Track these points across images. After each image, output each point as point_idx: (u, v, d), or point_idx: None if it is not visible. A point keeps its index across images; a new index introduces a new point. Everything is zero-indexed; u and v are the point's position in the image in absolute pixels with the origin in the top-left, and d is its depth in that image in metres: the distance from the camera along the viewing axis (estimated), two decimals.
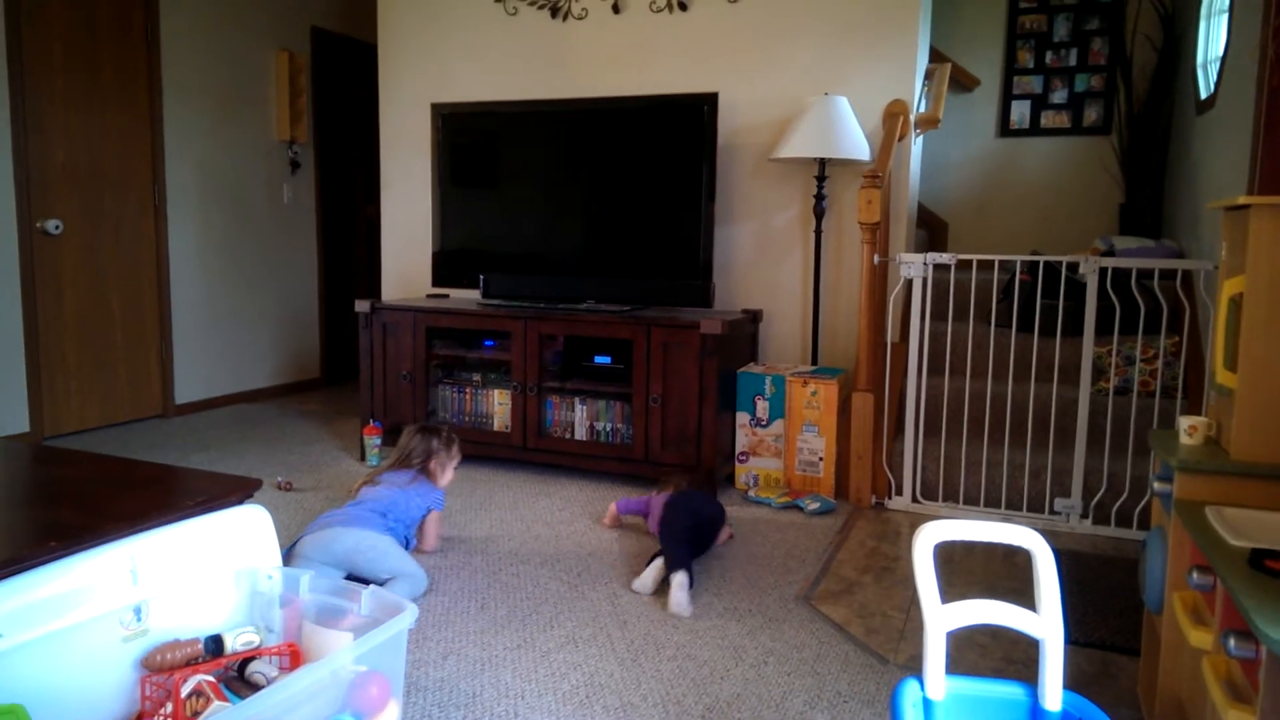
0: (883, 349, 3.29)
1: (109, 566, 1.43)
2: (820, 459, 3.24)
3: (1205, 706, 1.32)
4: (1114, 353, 3.18)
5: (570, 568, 2.55)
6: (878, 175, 3.07)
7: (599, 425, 3.43)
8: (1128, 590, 2.43)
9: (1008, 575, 2.56)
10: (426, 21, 4.22)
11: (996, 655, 2.07)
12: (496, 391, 3.58)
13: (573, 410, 3.47)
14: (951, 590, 2.39)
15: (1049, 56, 4.84)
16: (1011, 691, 1.29)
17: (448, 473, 2.68)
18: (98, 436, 4.04)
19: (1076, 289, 3.21)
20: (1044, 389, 3.19)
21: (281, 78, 4.93)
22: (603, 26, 3.88)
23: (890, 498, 3.21)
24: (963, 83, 4.89)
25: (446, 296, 4.00)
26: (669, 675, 1.95)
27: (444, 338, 3.70)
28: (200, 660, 1.51)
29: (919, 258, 3.09)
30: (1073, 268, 3.10)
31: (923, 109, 3.62)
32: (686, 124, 3.38)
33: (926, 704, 1.25)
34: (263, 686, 1.49)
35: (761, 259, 3.72)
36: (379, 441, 3.61)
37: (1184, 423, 1.68)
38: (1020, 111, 4.91)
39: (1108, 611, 2.30)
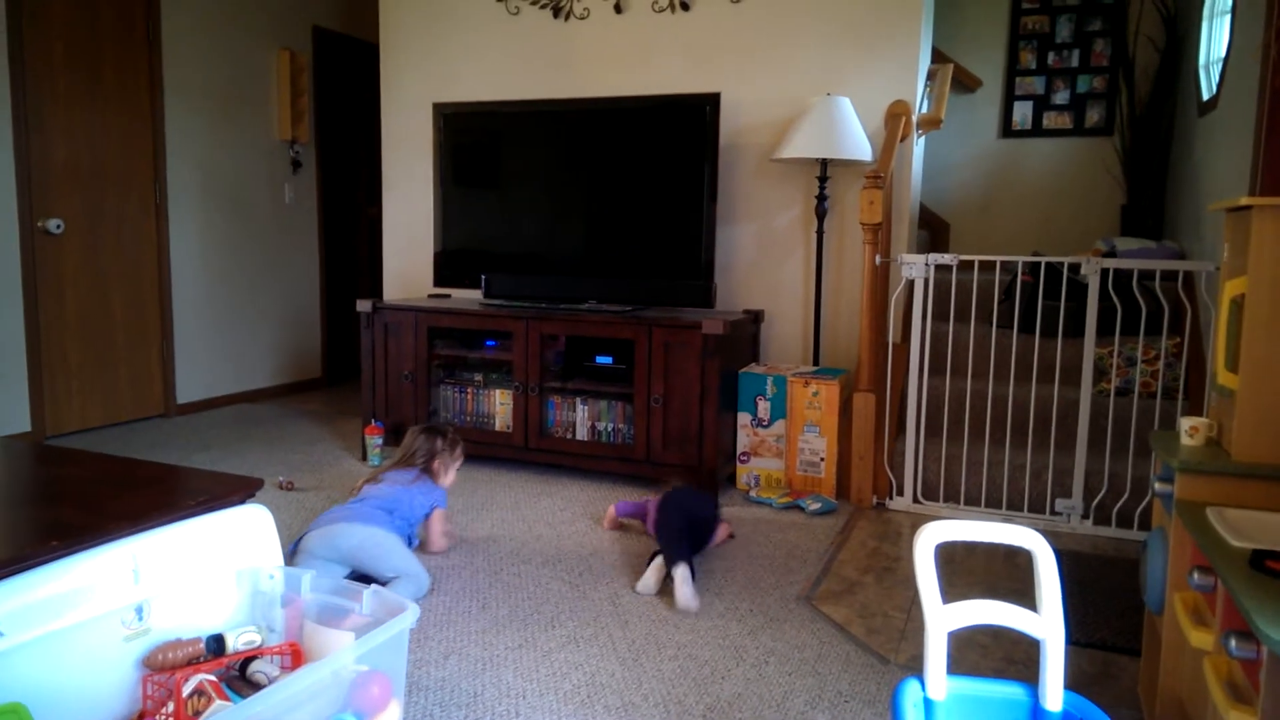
0: (884, 349, 3.29)
1: (111, 566, 1.43)
2: (821, 459, 3.24)
3: (1206, 707, 1.32)
4: (1115, 354, 3.18)
5: (572, 568, 2.55)
6: (879, 176, 3.07)
7: (600, 425, 3.43)
8: (1129, 591, 2.43)
9: (1009, 576, 2.56)
10: (428, 21, 4.22)
11: (997, 655, 2.07)
12: (498, 391, 3.58)
13: (574, 410, 3.47)
14: (952, 590, 2.39)
15: (1051, 57, 4.84)
16: (1012, 692, 1.29)
17: (450, 473, 2.68)
18: (99, 436, 4.05)
19: (1078, 290, 3.21)
20: (1045, 390, 3.18)
21: (283, 77, 4.93)
22: (605, 26, 3.88)
23: (891, 498, 3.21)
24: (965, 83, 4.89)
25: (448, 296, 4.00)
26: (670, 675, 1.95)
27: (445, 338, 3.70)
28: (202, 660, 1.51)
29: (921, 258, 3.09)
30: (1074, 269, 3.10)
31: (925, 109, 3.62)
32: (688, 124, 3.38)
33: (927, 704, 1.25)
34: (264, 686, 1.49)
35: (763, 259, 3.72)
36: (380, 441, 3.61)
37: (1185, 424, 1.68)
38: (1022, 112, 4.91)
39: (1109, 612, 2.30)
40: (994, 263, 3.73)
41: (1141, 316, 3.03)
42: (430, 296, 4.03)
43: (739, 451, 3.37)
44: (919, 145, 3.70)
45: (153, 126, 4.31)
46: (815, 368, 3.47)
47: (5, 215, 3.72)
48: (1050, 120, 4.86)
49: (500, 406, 3.57)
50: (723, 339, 3.14)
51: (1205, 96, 3.72)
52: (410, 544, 2.44)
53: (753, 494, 3.26)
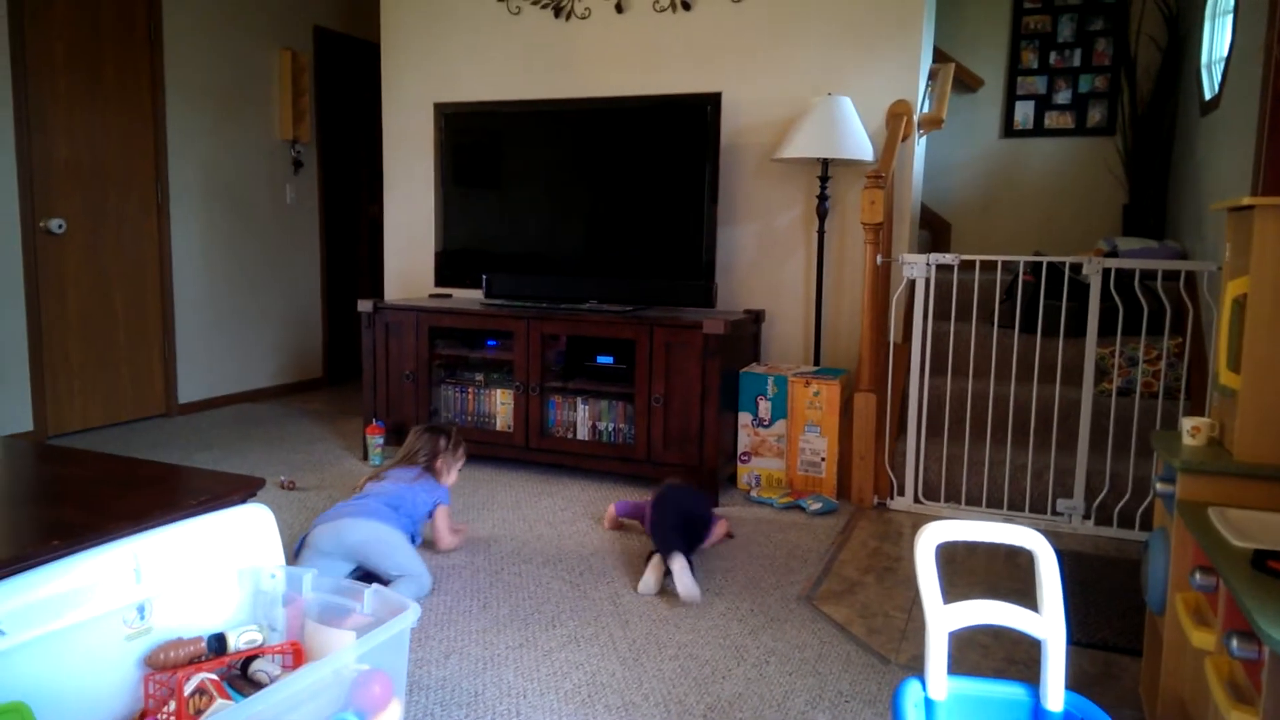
0: (885, 349, 3.29)
1: (112, 565, 1.43)
2: (822, 459, 3.24)
3: (1208, 707, 1.32)
4: (1117, 353, 3.18)
5: (572, 567, 2.55)
6: (881, 176, 3.07)
7: (601, 425, 3.43)
8: (1130, 591, 2.42)
9: (1010, 576, 2.55)
10: (429, 21, 4.22)
11: (998, 656, 2.07)
12: (499, 391, 3.58)
13: (575, 410, 3.47)
14: (953, 591, 2.39)
15: (1053, 57, 4.83)
16: (1013, 692, 1.29)
17: (453, 473, 2.68)
18: (101, 436, 4.05)
19: (1079, 290, 3.21)
20: (1047, 390, 3.18)
21: (284, 77, 4.94)
22: (606, 26, 3.88)
23: (892, 498, 3.20)
24: (966, 83, 4.89)
25: (449, 296, 4.00)
26: (671, 674, 1.95)
27: (446, 337, 3.70)
28: (203, 659, 1.51)
29: (922, 258, 3.09)
30: (1076, 268, 3.10)
31: (926, 109, 3.62)
32: (689, 124, 3.38)
33: (928, 704, 1.25)
34: (265, 685, 1.49)
35: (764, 259, 3.72)
36: (381, 441, 3.62)
37: (1187, 424, 1.68)
38: (1024, 112, 4.91)
39: (1110, 612, 2.30)
40: (995, 262, 3.72)
41: (1143, 316, 3.03)
42: (431, 296, 4.03)
43: (740, 451, 3.37)
44: (920, 145, 3.70)
45: (154, 126, 4.31)
46: (816, 368, 3.46)
47: (7, 215, 3.73)
48: (1052, 120, 4.86)
49: (501, 406, 3.57)
50: (724, 339, 3.14)
51: (1207, 96, 3.72)
52: (414, 541, 2.44)
53: (753, 494, 3.26)
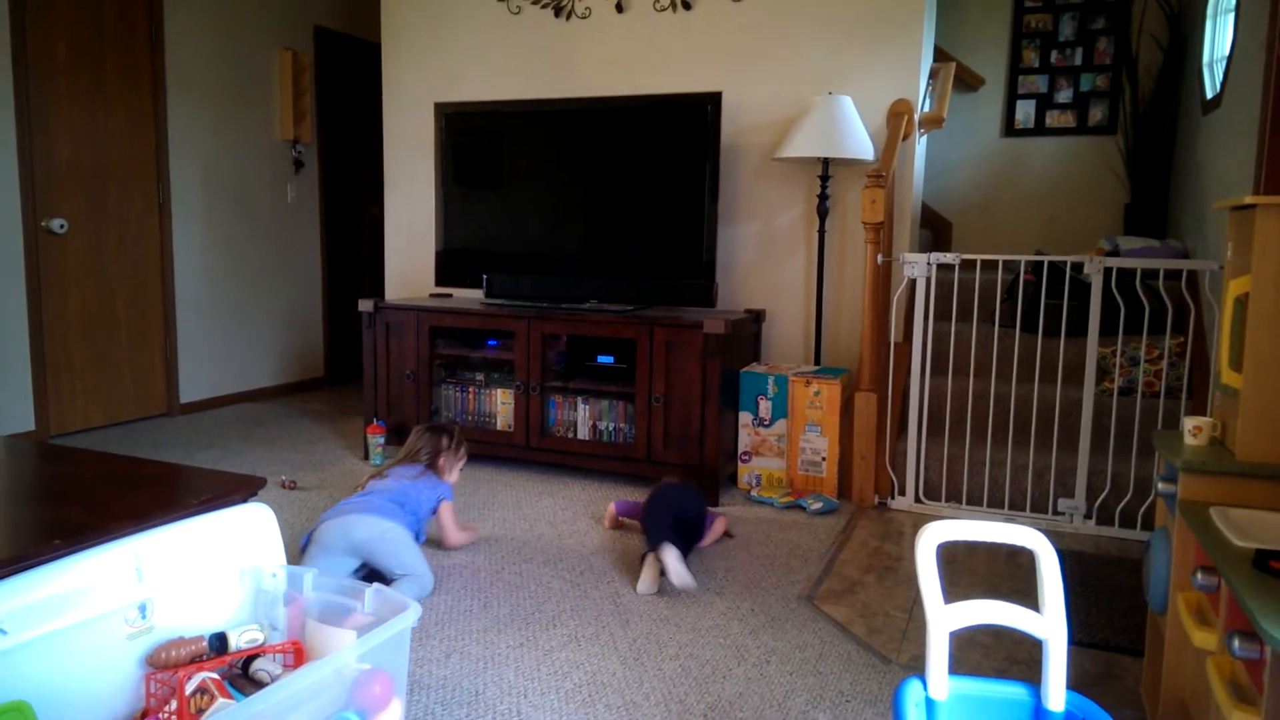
0: (886, 349, 3.29)
1: (114, 564, 1.43)
2: (823, 459, 3.24)
3: (1209, 707, 1.32)
4: (1118, 353, 3.17)
5: (573, 567, 2.55)
6: (881, 175, 3.07)
7: (602, 425, 3.43)
8: (1131, 591, 2.42)
9: (1011, 575, 2.55)
10: (430, 21, 4.22)
11: (999, 655, 2.07)
12: (499, 391, 3.58)
13: (575, 410, 3.47)
14: (954, 590, 2.39)
15: (1054, 56, 4.83)
16: (1015, 692, 1.29)
17: (454, 472, 2.69)
18: (102, 435, 4.06)
19: (1081, 289, 3.21)
20: (1048, 389, 3.18)
21: (285, 77, 4.94)
22: (606, 26, 3.88)
23: (893, 498, 3.20)
24: (967, 82, 4.88)
25: (450, 296, 4.00)
26: (671, 674, 1.95)
27: (447, 337, 3.70)
28: (204, 658, 1.51)
29: (923, 258, 3.09)
30: (1077, 268, 3.10)
31: (927, 108, 3.62)
32: (690, 123, 3.38)
33: (929, 704, 1.25)
34: (267, 684, 1.49)
35: (765, 259, 3.72)
36: (382, 440, 3.62)
37: (1188, 423, 1.67)
38: (1025, 111, 4.90)
39: (1111, 612, 2.30)
40: (996, 262, 3.72)
41: (1145, 315, 3.03)
42: (432, 296, 4.04)
43: (740, 451, 3.37)
44: (921, 144, 3.70)
45: (155, 126, 4.31)
46: (817, 367, 3.46)
47: (9, 215, 3.73)
48: (1053, 119, 4.86)
49: (502, 406, 3.58)
50: (724, 338, 3.14)
51: (1209, 95, 3.71)
52: (419, 539, 2.44)
53: (754, 493, 3.26)
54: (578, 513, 3.05)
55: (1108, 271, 2.95)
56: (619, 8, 3.84)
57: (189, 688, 1.42)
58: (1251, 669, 1.17)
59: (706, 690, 1.88)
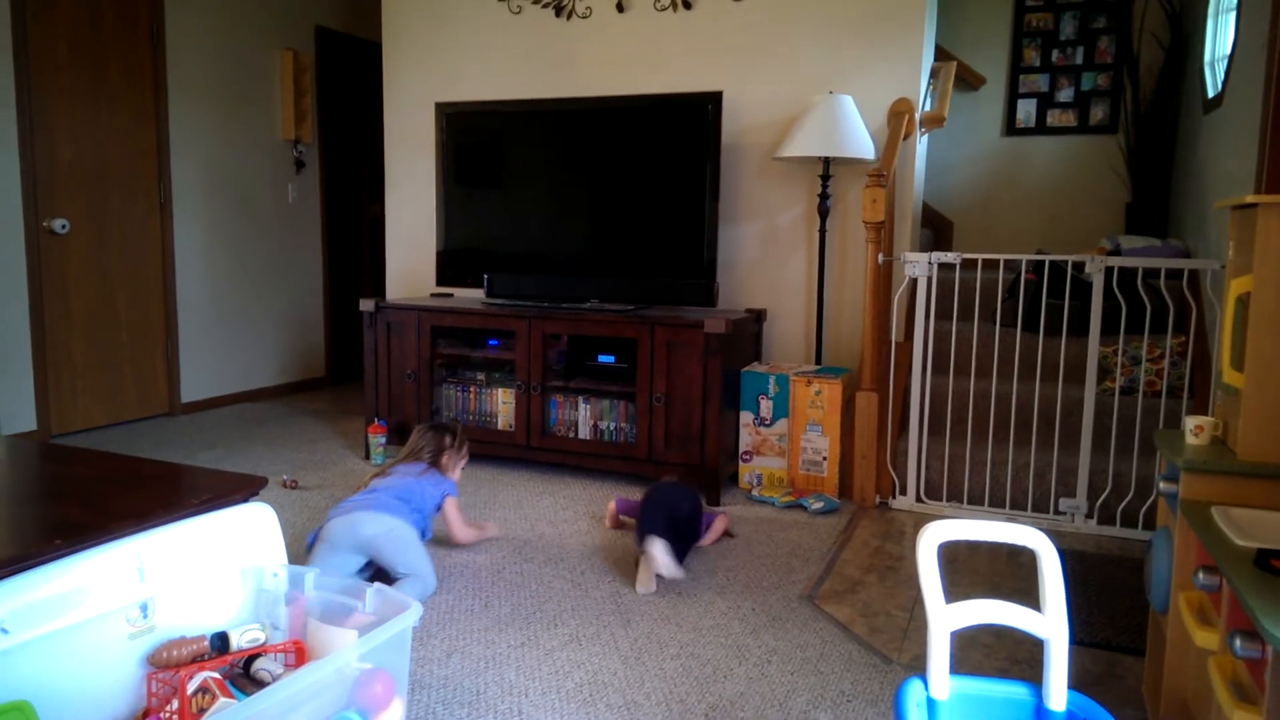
0: (887, 348, 3.29)
1: (115, 564, 1.43)
2: (824, 458, 3.24)
3: (1211, 707, 1.32)
4: (1120, 352, 3.17)
5: (574, 566, 2.55)
6: (882, 174, 3.07)
7: (603, 424, 3.43)
8: (1133, 590, 2.42)
9: (1012, 575, 2.55)
10: (431, 21, 4.22)
11: (1001, 655, 2.07)
12: (500, 390, 3.58)
13: (576, 409, 3.47)
14: (955, 590, 2.39)
15: (1055, 55, 4.83)
16: (1016, 691, 1.29)
17: (456, 471, 2.69)
18: (104, 435, 4.06)
19: (1082, 288, 3.20)
20: (1049, 389, 3.18)
21: (286, 77, 4.94)
22: (607, 25, 3.88)
23: (894, 497, 3.20)
24: (968, 81, 4.88)
25: (451, 296, 4.00)
26: (672, 674, 1.95)
27: (448, 337, 3.70)
28: (206, 657, 1.51)
29: (923, 257, 3.09)
30: (1078, 267, 3.10)
31: (928, 107, 3.62)
32: (691, 123, 3.38)
33: (930, 704, 1.25)
34: (268, 683, 1.49)
35: (766, 258, 3.72)
36: (384, 440, 3.62)
37: (1190, 422, 1.67)
38: (1026, 110, 4.90)
39: (1113, 612, 2.30)
40: (997, 261, 3.72)
41: (1146, 315, 3.02)
42: (433, 296, 4.04)
43: (741, 450, 3.37)
44: (922, 143, 3.70)
45: (157, 126, 4.32)
46: (818, 366, 3.46)
47: (10, 215, 3.73)
48: (1054, 118, 4.85)
49: (503, 405, 3.58)
50: (725, 338, 3.14)
51: (1210, 94, 3.71)
52: (424, 537, 2.43)
53: (755, 493, 3.26)
54: (579, 512, 3.05)
55: (1109, 271, 2.95)
56: (619, 7, 3.84)
57: (190, 687, 1.42)
58: (1253, 668, 1.17)
59: (708, 690, 1.89)
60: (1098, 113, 4.76)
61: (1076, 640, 2.13)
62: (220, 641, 1.53)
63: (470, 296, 3.95)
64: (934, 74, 3.71)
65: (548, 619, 2.21)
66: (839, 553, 2.72)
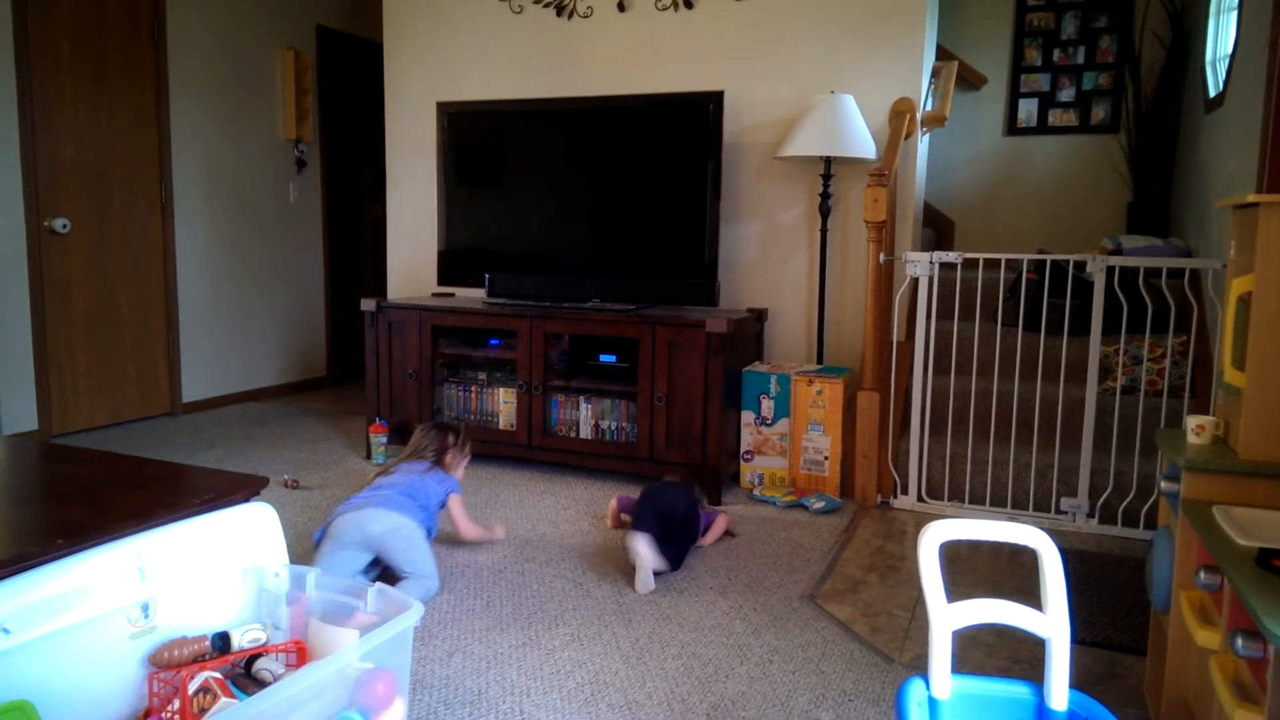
0: (888, 348, 3.29)
1: (116, 563, 1.43)
2: (825, 458, 3.24)
3: (1212, 706, 1.32)
4: (1121, 352, 3.17)
5: (575, 566, 2.55)
6: (884, 174, 3.07)
7: (604, 424, 3.43)
8: (1134, 590, 2.42)
9: (1013, 575, 2.55)
10: (432, 20, 4.22)
11: (1002, 654, 2.06)
12: (502, 390, 3.58)
13: (578, 409, 3.47)
14: (957, 589, 2.39)
15: (1057, 54, 4.82)
16: (1017, 691, 1.29)
17: (459, 470, 2.69)
18: (105, 435, 4.06)
19: (1083, 288, 3.20)
20: (1050, 388, 3.18)
21: (287, 76, 4.94)
22: (608, 25, 3.88)
23: (896, 497, 3.20)
24: (970, 80, 4.88)
25: (452, 295, 4.00)
26: (674, 673, 1.95)
27: (450, 336, 3.70)
28: (207, 657, 1.51)
29: (925, 256, 3.09)
30: (1080, 266, 3.10)
31: (929, 107, 3.62)
32: (692, 122, 3.38)
33: (932, 703, 1.25)
34: (269, 683, 1.49)
35: (767, 258, 3.72)
36: (385, 440, 3.62)
37: (1191, 422, 1.67)
38: (1028, 109, 4.90)
39: (1114, 611, 2.30)
40: (999, 260, 3.72)
41: (1148, 314, 3.02)
42: (434, 295, 4.04)
43: (743, 450, 3.37)
44: (923, 143, 3.70)
45: (158, 126, 4.32)
46: (819, 366, 3.46)
47: (12, 215, 3.74)
48: (1056, 117, 4.85)
49: (504, 405, 3.58)
50: (726, 337, 3.14)
51: (1212, 93, 3.71)
52: (430, 534, 2.43)
53: (756, 493, 3.26)
54: (580, 512, 3.05)
55: (1110, 270, 2.95)
56: (621, 7, 3.84)
57: (191, 687, 1.42)
58: (1254, 668, 1.17)
59: (709, 689, 1.88)
60: (1099, 112, 4.76)
61: (1078, 640, 2.12)
62: (221, 641, 1.53)
63: (472, 296, 3.95)
64: (935, 73, 3.71)
65: (549, 619, 2.21)
66: (840, 552, 2.72)
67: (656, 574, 2.42)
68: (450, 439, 2.67)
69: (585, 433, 3.45)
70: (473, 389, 3.64)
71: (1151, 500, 2.89)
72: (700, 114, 3.36)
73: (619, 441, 3.40)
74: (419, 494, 2.44)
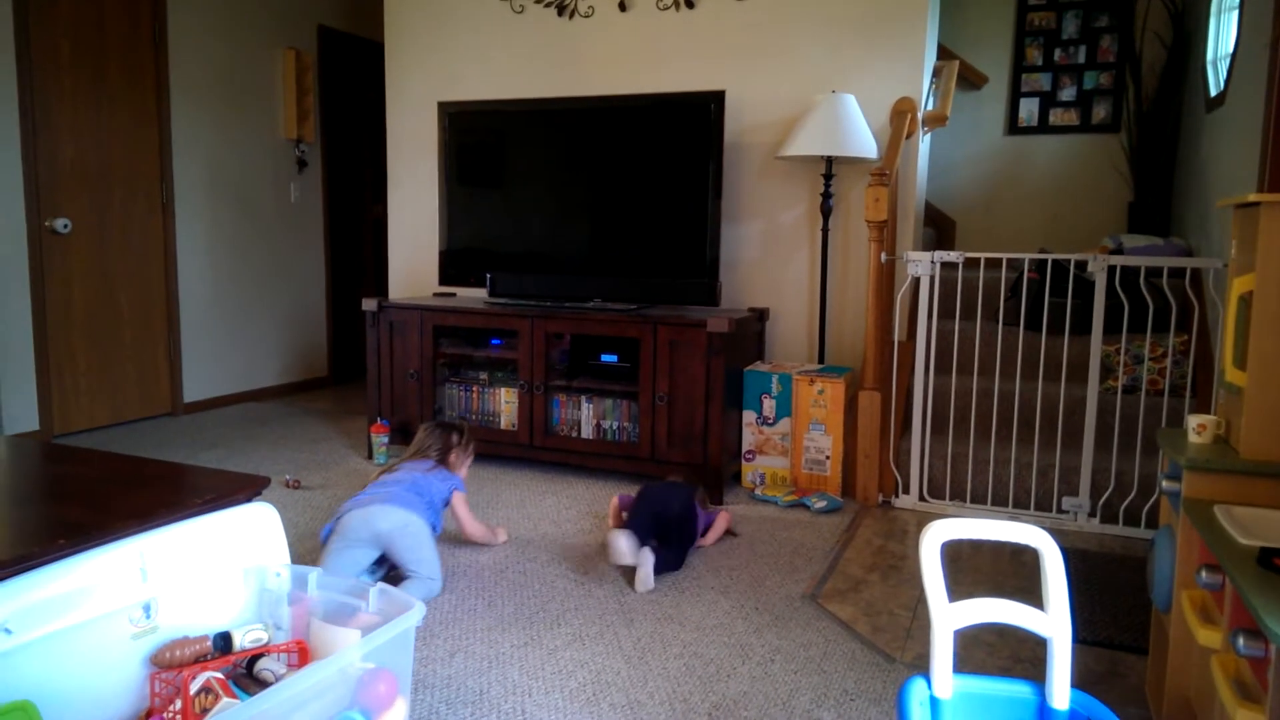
0: (890, 347, 3.29)
1: (118, 564, 1.44)
2: (827, 457, 3.24)
3: (1213, 706, 1.32)
4: (1122, 351, 3.17)
5: (577, 565, 2.55)
6: (885, 173, 3.06)
7: (605, 424, 3.43)
8: (1136, 589, 2.42)
9: (1015, 574, 2.55)
10: (433, 20, 4.22)
11: (1004, 654, 2.06)
12: (503, 390, 3.58)
13: (579, 409, 3.47)
14: (958, 589, 2.39)
15: (1058, 54, 4.82)
16: (1019, 690, 1.29)
17: (463, 469, 2.69)
18: (107, 435, 4.06)
19: (1084, 287, 3.20)
20: (1051, 387, 3.18)
21: (288, 76, 4.94)
22: (609, 25, 3.88)
23: (897, 496, 3.20)
24: (971, 80, 4.88)
25: (453, 295, 4.00)
26: (675, 673, 1.95)
27: (451, 336, 3.70)
28: (209, 657, 1.52)
29: (926, 256, 3.09)
30: (1081, 266, 3.09)
31: (930, 106, 3.61)
32: (693, 122, 3.38)
33: (934, 703, 1.25)
34: (271, 684, 1.50)
35: (768, 257, 3.72)
36: (386, 440, 3.62)
37: (1192, 421, 1.67)
38: (1029, 109, 4.90)
39: (1116, 610, 2.30)
40: (1000, 260, 3.72)
41: (1149, 314, 3.02)
42: (435, 295, 4.04)
43: (744, 450, 3.37)
44: (924, 142, 3.69)
45: (159, 126, 4.32)
46: (820, 366, 3.46)
47: (13, 215, 3.74)
48: (1057, 117, 4.85)
49: (505, 405, 3.58)
50: (728, 337, 3.14)
51: (1213, 92, 3.70)
52: (435, 531, 2.43)
53: (758, 492, 3.26)
54: (582, 512, 3.05)
55: (1111, 269, 2.95)
56: (622, 7, 3.84)
57: (193, 687, 1.42)
58: (1256, 667, 1.17)
59: (711, 689, 1.89)
60: (1100, 111, 4.76)
61: (1079, 639, 2.12)
62: (223, 641, 1.53)
63: (473, 296, 3.95)
64: (936, 73, 3.71)
65: (551, 618, 2.21)
66: (842, 552, 2.72)
67: (657, 575, 2.41)
68: (454, 438, 2.67)
69: (587, 432, 3.45)
70: (474, 389, 3.64)
71: (1153, 499, 2.89)
72: (701, 114, 3.36)
73: (620, 441, 3.40)
74: (424, 491, 2.45)
